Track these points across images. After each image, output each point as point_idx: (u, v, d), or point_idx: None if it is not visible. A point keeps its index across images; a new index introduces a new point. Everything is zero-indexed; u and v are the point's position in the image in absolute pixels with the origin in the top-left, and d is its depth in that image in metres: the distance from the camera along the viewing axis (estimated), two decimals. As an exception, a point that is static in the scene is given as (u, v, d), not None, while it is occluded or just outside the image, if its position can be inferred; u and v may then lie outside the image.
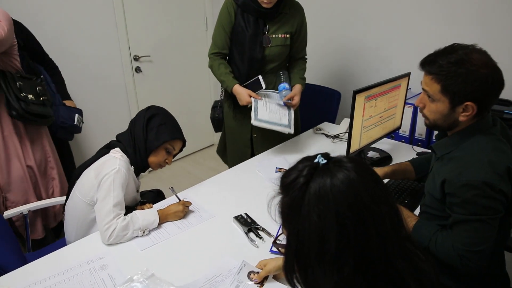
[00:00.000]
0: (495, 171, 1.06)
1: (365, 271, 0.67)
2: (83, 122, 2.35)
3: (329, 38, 2.83)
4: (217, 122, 2.33)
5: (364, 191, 0.68)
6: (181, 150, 1.72)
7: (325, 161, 0.72)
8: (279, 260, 1.16)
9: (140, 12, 3.05)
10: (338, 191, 0.67)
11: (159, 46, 3.24)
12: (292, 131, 1.98)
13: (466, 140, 1.16)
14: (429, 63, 1.15)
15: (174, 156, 1.70)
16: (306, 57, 2.21)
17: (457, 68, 1.08)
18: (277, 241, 0.85)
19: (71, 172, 2.48)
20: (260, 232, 1.43)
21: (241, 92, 1.97)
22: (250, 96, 1.96)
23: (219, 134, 2.45)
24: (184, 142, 1.71)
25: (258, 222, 1.48)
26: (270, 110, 1.99)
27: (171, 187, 1.67)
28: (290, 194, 0.71)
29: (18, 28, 2.11)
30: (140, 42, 3.10)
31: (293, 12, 2.01)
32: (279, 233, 0.78)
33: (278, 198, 0.75)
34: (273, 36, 2.00)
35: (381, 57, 2.59)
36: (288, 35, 2.02)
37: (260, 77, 1.96)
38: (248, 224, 1.45)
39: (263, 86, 1.96)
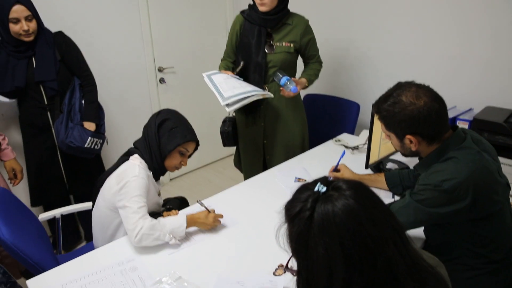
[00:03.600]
0: (459, 179, 1.16)
1: None
2: (100, 145, 2.33)
3: (348, 51, 2.89)
4: (226, 135, 2.41)
5: (365, 218, 0.69)
6: (195, 149, 1.73)
7: (324, 188, 0.73)
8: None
9: (165, 26, 3.17)
10: (340, 221, 0.68)
11: (182, 58, 3.35)
12: (222, 102, 1.96)
13: (442, 156, 1.25)
14: (375, 106, 1.32)
15: (189, 156, 1.72)
16: (320, 60, 2.32)
17: (390, 108, 1.24)
18: (289, 266, 0.87)
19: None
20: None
21: (224, 72, 2.13)
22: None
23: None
24: (197, 142, 1.71)
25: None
26: (226, 82, 2.04)
27: (199, 200, 1.68)
28: (296, 227, 0.73)
29: (61, 40, 2.23)
30: (164, 54, 3.22)
31: (296, 24, 2.17)
32: (290, 257, 0.81)
33: (284, 227, 0.77)
34: (277, 44, 2.16)
35: (401, 70, 2.63)
36: (292, 44, 2.17)
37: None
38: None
39: (242, 62, 2.14)
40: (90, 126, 2.28)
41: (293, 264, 0.81)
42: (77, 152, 2.25)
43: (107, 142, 2.42)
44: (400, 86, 1.26)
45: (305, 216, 0.72)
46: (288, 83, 2.03)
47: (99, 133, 2.33)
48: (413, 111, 1.20)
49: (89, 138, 2.23)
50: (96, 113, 2.34)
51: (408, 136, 1.25)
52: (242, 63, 2.15)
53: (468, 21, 2.24)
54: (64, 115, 2.20)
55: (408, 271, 0.70)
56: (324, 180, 0.76)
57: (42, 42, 2.13)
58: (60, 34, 2.25)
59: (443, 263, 0.91)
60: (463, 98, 2.31)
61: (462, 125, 2.03)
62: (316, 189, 0.74)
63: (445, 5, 2.30)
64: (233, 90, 1.98)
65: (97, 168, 2.55)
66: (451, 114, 2.09)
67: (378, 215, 0.71)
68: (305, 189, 0.77)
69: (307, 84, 2.21)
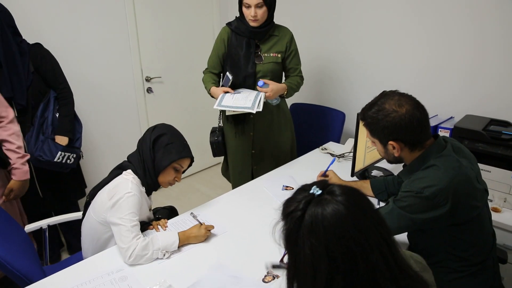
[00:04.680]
0: (439, 186, 1.21)
1: None
2: (74, 160, 2.25)
3: (334, 61, 2.95)
4: (217, 145, 2.42)
5: (351, 224, 0.72)
6: (190, 165, 1.72)
7: (320, 192, 0.76)
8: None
9: (153, 36, 3.20)
10: (328, 225, 0.71)
11: (170, 68, 3.38)
12: (254, 110, 2.02)
13: (424, 163, 1.30)
14: (361, 113, 1.38)
15: (183, 172, 1.71)
16: (301, 75, 2.34)
17: (374, 115, 1.30)
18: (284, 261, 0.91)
19: (76, 194, 2.48)
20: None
21: (216, 90, 2.17)
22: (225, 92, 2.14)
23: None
24: (192, 158, 1.70)
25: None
26: (235, 99, 2.10)
27: (192, 213, 1.68)
28: (288, 225, 0.76)
29: (36, 52, 2.15)
30: (151, 64, 3.24)
31: (282, 35, 2.25)
32: (285, 253, 0.85)
33: (281, 224, 0.80)
34: (265, 55, 2.22)
35: (385, 80, 2.70)
36: (279, 55, 2.24)
37: (227, 73, 2.17)
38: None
39: (230, 77, 2.15)
40: (61, 140, 2.20)
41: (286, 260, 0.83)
42: (47, 166, 2.17)
43: (82, 156, 2.34)
44: (384, 95, 1.33)
45: (297, 216, 0.75)
46: (260, 84, 2.11)
47: (73, 147, 2.25)
48: (395, 118, 1.26)
49: (60, 152, 2.15)
50: (70, 127, 2.26)
51: (390, 142, 1.31)
52: (231, 78, 2.14)
53: (449, 33, 2.33)
54: (35, 128, 2.13)
55: (391, 277, 0.73)
56: (321, 183, 0.79)
57: (14, 53, 2.04)
58: (36, 45, 2.18)
59: None
60: (445, 107, 2.39)
61: (444, 133, 2.10)
62: (311, 191, 0.77)
63: (427, 16, 2.39)
64: (248, 99, 2.07)
65: (75, 183, 2.49)
66: (433, 122, 2.16)
67: (366, 223, 0.74)
68: (303, 190, 0.80)
69: (286, 90, 2.21)
